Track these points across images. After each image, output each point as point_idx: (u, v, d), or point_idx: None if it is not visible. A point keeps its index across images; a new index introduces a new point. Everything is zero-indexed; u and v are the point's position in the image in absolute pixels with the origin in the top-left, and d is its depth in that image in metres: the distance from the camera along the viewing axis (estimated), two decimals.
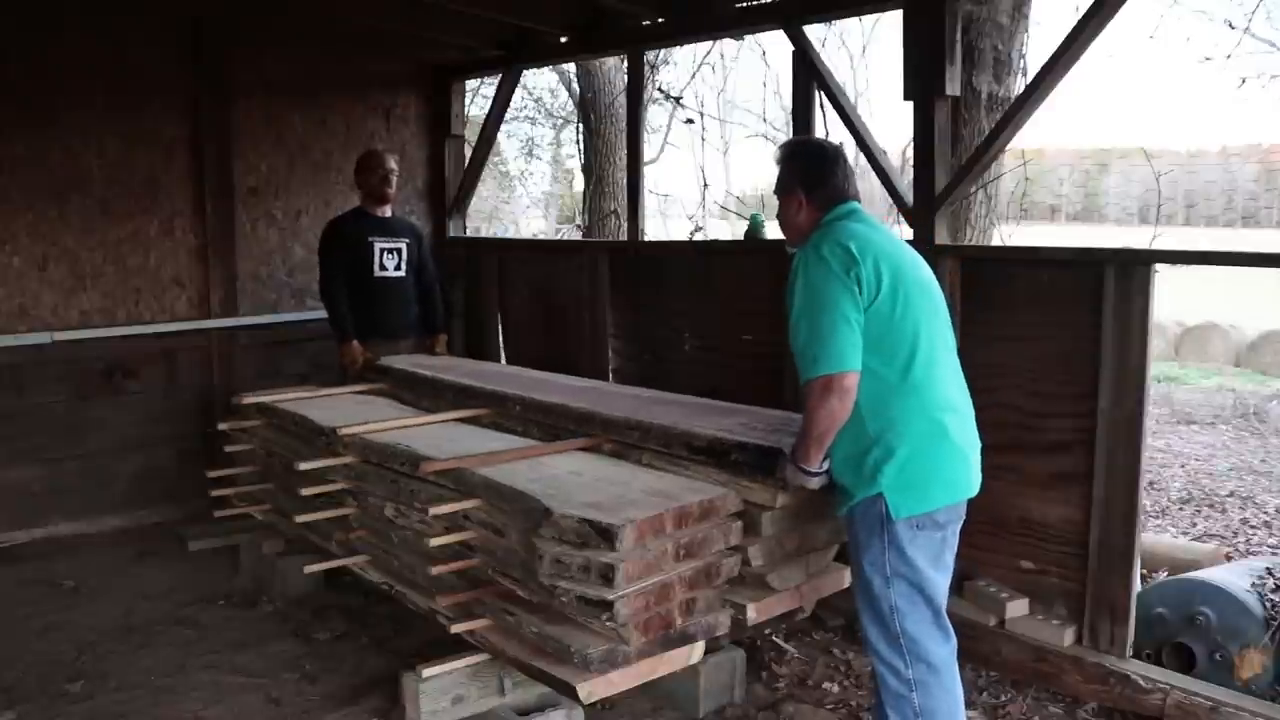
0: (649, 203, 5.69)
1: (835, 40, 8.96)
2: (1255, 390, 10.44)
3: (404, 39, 5.57)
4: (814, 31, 4.35)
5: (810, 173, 2.71)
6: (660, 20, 4.83)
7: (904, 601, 2.51)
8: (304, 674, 3.57)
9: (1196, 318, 13.44)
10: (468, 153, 6.31)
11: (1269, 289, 9.31)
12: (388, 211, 5.04)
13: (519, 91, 7.86)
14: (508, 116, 7.97)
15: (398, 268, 4.98)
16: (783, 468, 2.71)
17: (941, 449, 2.53)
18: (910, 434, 2.49)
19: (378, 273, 4.92)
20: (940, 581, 2.57)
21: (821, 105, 4.39)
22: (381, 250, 4.93)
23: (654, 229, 7.26)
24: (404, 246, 5.01)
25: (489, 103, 6.28)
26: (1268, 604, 3.36)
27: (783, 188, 2.75)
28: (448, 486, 3.14)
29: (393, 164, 5.00)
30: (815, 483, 2.65)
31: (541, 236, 14.09)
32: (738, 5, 4.48)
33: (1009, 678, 3.48)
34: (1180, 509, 5.92)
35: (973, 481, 2.63)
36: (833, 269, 2.47)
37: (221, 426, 4.44)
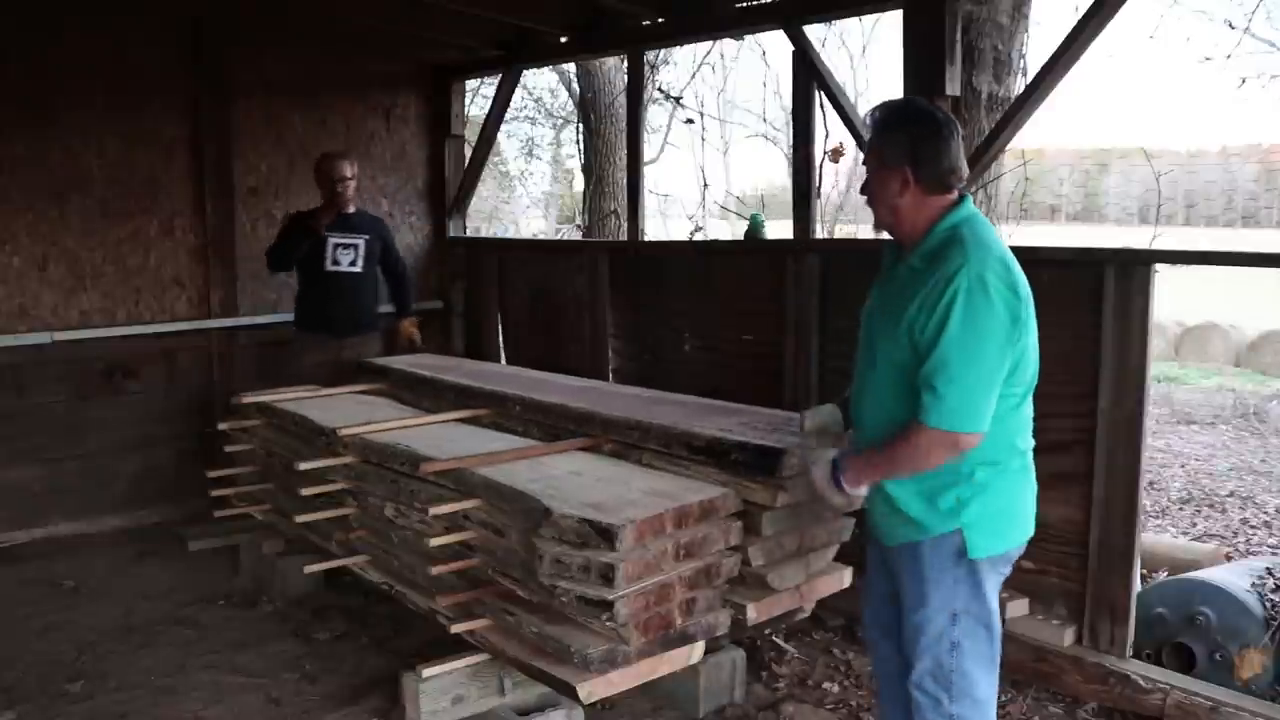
0: (649, 203, 5.69)
1: (835, 40, 9.01)
2: (1255, 390, 10.44)
3: (404, 39, 5.57)
4: (814, 31, 4.36)
5: (923, 146, 2.26)
6: (660, 20, 4.83)
7: (967, 638, 2.35)
8: (304, 674, 3.57)
9: (1196, 318, 13.45)
10: (468, 153, 6.32)
11: (1269, 289, 9.31)
12: (351, 208, 4.94)
13: (519, 91, 7.87)
14: (508, 116, 7.98)
15: (352, 263, 4.89)
16: (821, 473, 2.42)
17: (1024, 486, 2.39)
18: (1003, 471, 2.31)
19: (329, 267, 4.85)
20: (998, 611, 2.45)
21: (821, 105, 4.39)
22: (335, 245, 4.86)
23: (654, 229, 7.26)
24: (361, 243, 4.91)
25: (489, 103, 6.29)
26: (1268, 604, 3.36)
27: (883, 160, 2.30)
28: (448, 486, 3.14)
29: (348, 171, 4.84)
30: (843, 506, 2.52)
31: (541, 236, 14.09)
32: (738, 5, 4.48)
33: (1009, 678, 3.47)
34: (1180, 509, 5.92)
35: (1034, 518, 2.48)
36: (999, 313, 2.16)
37: (221, 426, 4.44)
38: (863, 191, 2.39)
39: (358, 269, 4.91)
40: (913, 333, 2.22)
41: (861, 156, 2.40)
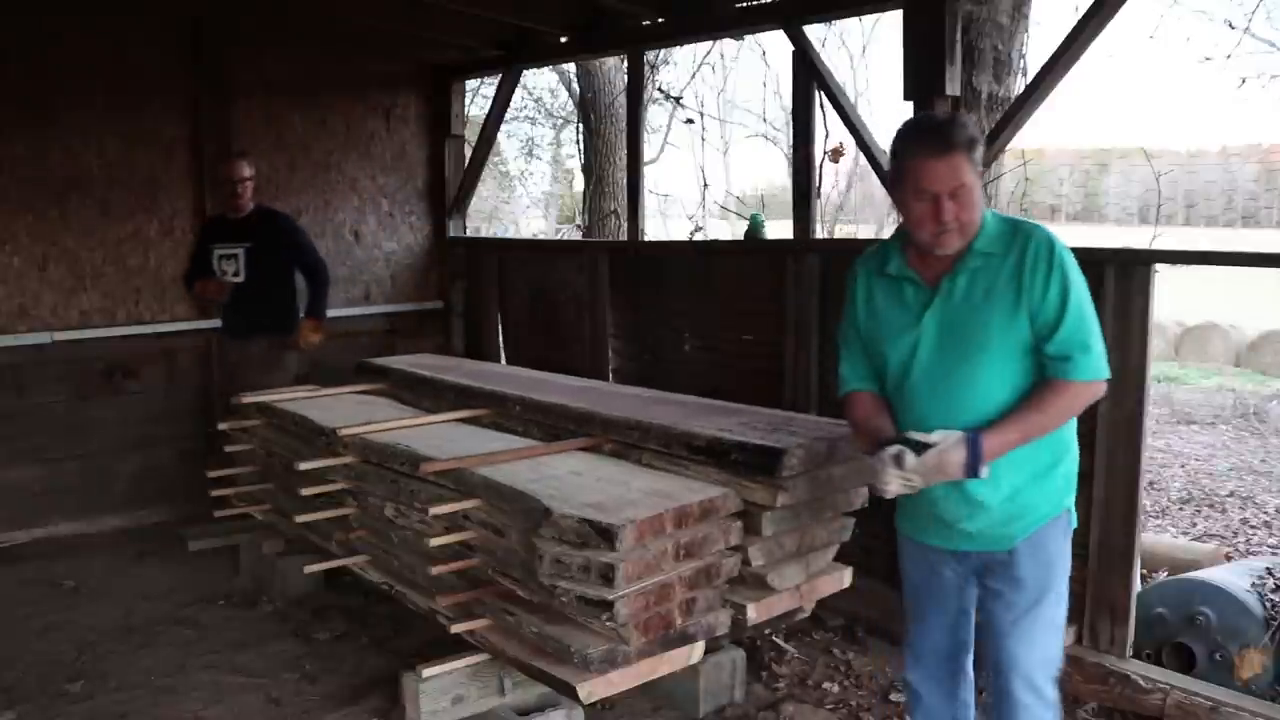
0: (649, 203, 5.69)
1: (835, 40, 9.01)
2: (1255, 390, 10.44)
3: (404, 39, 5.57)
4: (814, 31, 4.36)
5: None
6: (660, 20, 4.83)
7: (1062, 619, 2.39)
8: (304, 674, 3.57)
9: (1196, 318, 13.44)
10: (468, 153, 6.32)
11: (1269, 289, 9.30)
12: (248, 209, 4.81)
13: (519, 91, 7.87)
14: (508, 116, 7.99)
15: (235, 274, 4.74)
16: (959, 456, 2.18)
17: None
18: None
19: (217, 278, 4.78)
20: None
21: (821, 105, 4.39)
22: (219, 256, 4.76)
23: (654, 229, 7.26)
24: (241, 252, 4.73)
25: (489, 103, 6.29)
26: (1268, 604, 3.36)
27: (975, 167, 2.24)
28: (448, 486, 3.14)
29: (245, 171, 4.77)
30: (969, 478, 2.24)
31: (541, 236, 14.09)
32: (738, 5, 4.48)
33: None
34: (1180, 509, 5.92)
35: None
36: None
37: (221, 426, 4.44)
38: (950, 217, 2.19)
39: (240, 279, 4.75)
40: (1032, 309, 2.20)
41: (942, 179, 2.17)
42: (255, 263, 4.76)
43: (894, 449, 2.22)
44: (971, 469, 2.19)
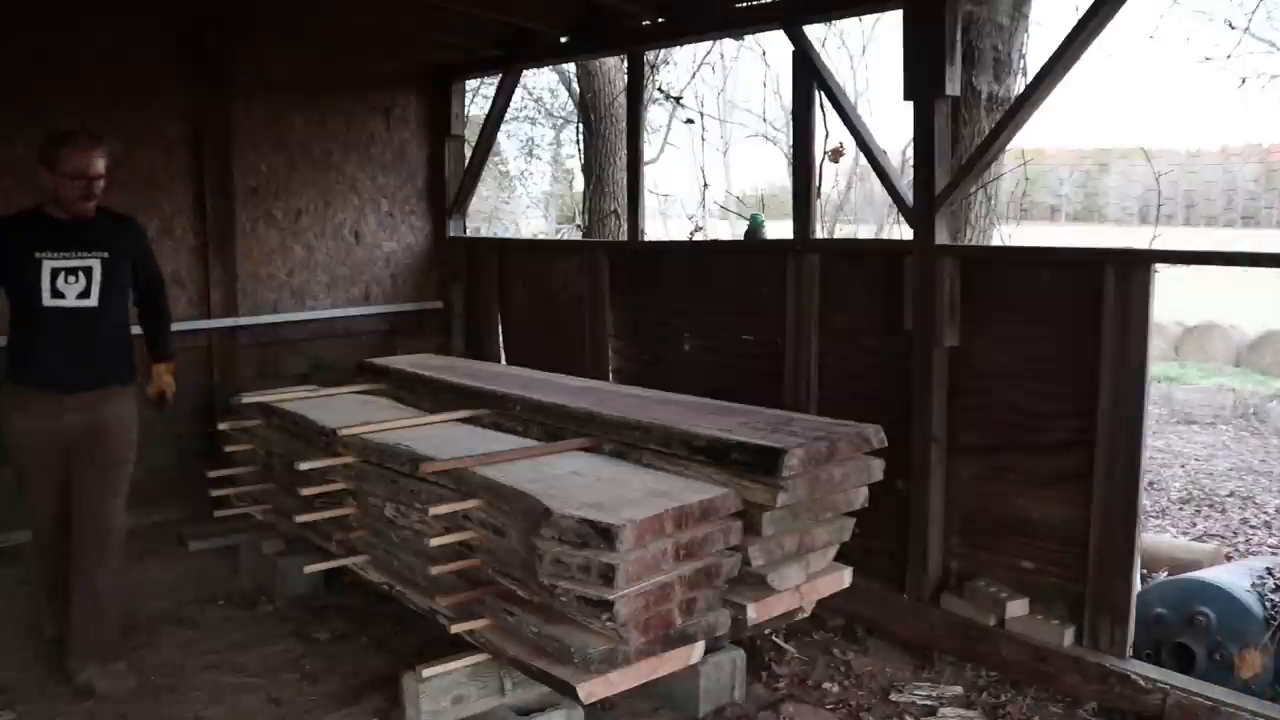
0: (649, 203, 5.69)
1: (835, 40, 9.02)
2: (1255, 390, 10.43)
3: (404, 39, 5.57)
4: (814, 31, 4.36)
5: None
6: (660, 20, 4.83)
7: None
8: (304, 674, 3.57)
9: (1196, 318, 13.44)
10: (468, 153, 6.32)
11: (1269, 289, 9.30)
12: (88, 211, 3.47)
13: (519, 91, 7.87)
14: (508, 116, 7.98)
15: (83, 294, 3.40)
16: None
17: None
18: None
19: (48, 301, 3.38)
20: None
21: (821, 105, 4.39)
22: (56, 271, 3.38)
23: (654, 229, 7.27)
24: (96, 264, 3.43)
25: (489, 103, 6.29)
26: (1268, 604, 3.36)
27: None
28: (448, 486, 3.14)
29: (100, 166, 3.43)
30: None
31: (541, 236, 14.09)
32: (738, 5, 4.48)
33: (1009, 678, 3.48)
34: (1180, 509, 5.93)
35: None
36: None
37: (221, 426, 4.44)
38: None
39: (91, 302, 3.42)
40: None
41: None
42: (110, 283, 3.48)
43: None
44: None
